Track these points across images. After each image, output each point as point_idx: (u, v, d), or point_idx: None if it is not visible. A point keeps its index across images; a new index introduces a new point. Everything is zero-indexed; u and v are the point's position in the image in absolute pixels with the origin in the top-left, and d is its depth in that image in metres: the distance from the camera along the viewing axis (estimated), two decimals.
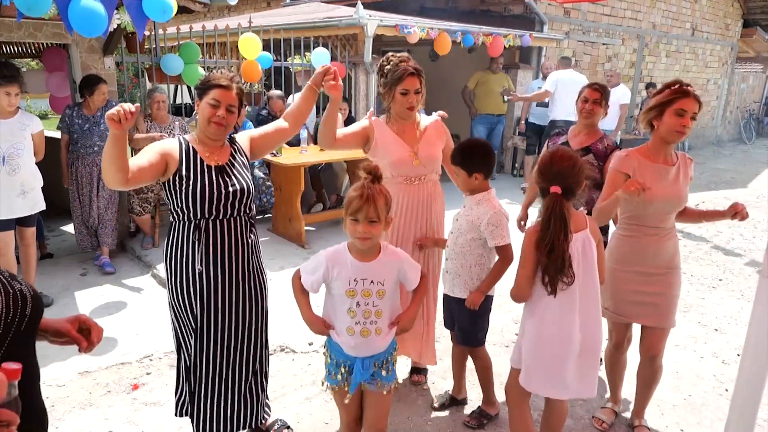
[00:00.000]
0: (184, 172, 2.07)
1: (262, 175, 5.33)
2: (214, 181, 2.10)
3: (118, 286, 4.32)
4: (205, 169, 2.11)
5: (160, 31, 5.24)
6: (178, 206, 2.10)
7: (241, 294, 2.21)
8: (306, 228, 5.28)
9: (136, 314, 3.85)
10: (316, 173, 5.78)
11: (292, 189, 5.09)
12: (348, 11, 6.79)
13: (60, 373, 3.06)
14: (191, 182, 2.07)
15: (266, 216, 5.78)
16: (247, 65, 5.50)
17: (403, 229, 2.68)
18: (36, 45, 6.40)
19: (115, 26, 3.70)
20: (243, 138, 2.32)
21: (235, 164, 2.20)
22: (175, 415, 2.33)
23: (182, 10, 4.98)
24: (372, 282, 1.88)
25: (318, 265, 1.93)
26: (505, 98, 7.51)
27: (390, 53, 2.64)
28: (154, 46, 5.20)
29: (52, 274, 4.46)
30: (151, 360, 3.25)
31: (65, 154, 4.49)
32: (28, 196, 3.70)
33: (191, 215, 2.09)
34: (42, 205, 3.84)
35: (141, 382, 3.01)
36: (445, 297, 2.63)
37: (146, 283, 4.39)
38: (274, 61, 6.02)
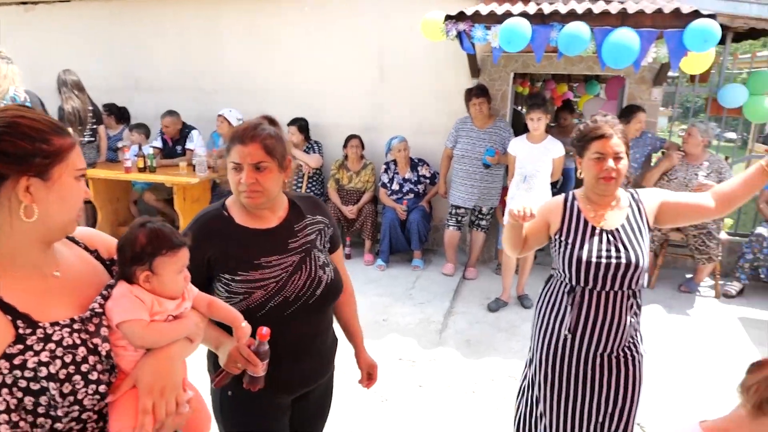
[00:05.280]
0: (564, 235, 1.88)
1: None
2: (601, 250, 1.81)
3: None
4: (588, 232, 1.84)
5: (729, 58, 4.53)
6: (558, 265, 1.94)
7: (598, 375, 1.89)
8: None
9: None
10: None
11: None
12: None
13: None
14: (574, 247, 1.85)
15: None
16: None
17: None
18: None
19: (650, 60, 3.47)
20: (652, 198, 1.88)
21: (630, 229, 1.83)
22: None
23: (760, 33, 4.15)
24: None
25: None
26: None
27: None
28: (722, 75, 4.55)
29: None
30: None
31: None
32: None
33: (568, 279, 1.89)
34: None
35: None
36: None
37: None
38: None
